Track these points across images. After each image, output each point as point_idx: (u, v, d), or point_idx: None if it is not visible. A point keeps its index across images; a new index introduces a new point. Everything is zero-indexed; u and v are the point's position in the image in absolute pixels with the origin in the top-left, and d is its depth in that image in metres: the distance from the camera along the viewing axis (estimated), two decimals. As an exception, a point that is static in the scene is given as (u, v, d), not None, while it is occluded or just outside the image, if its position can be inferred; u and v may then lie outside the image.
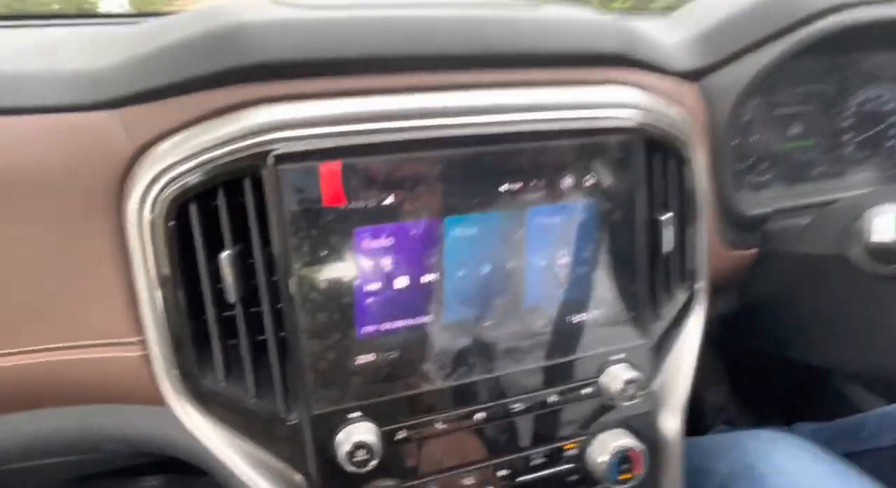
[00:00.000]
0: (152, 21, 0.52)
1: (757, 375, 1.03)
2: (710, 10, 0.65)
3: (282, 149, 0.41)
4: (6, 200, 0.42)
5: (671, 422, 0.55)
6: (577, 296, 0.50)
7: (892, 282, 0.57)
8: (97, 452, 0.55)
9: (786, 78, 0.69)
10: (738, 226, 0.65)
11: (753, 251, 0.66)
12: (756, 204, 0.66)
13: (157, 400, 0.46)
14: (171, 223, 0.42)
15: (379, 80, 0.45)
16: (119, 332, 0.45)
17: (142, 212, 0.42)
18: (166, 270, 0.43)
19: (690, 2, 0.71)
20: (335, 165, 0.41)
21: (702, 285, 0.58)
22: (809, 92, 0.72)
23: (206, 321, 0.44)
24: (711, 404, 1.04)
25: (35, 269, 0.43)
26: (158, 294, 0.43)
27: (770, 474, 0.58)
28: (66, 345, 0.45)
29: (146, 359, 0.45)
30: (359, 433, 0.43)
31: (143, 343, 0.45)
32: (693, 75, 0.61)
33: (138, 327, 0.45)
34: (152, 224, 0.42)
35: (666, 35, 0.62)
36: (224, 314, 0.45)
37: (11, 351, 0.44)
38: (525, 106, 0.47)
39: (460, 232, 0.45)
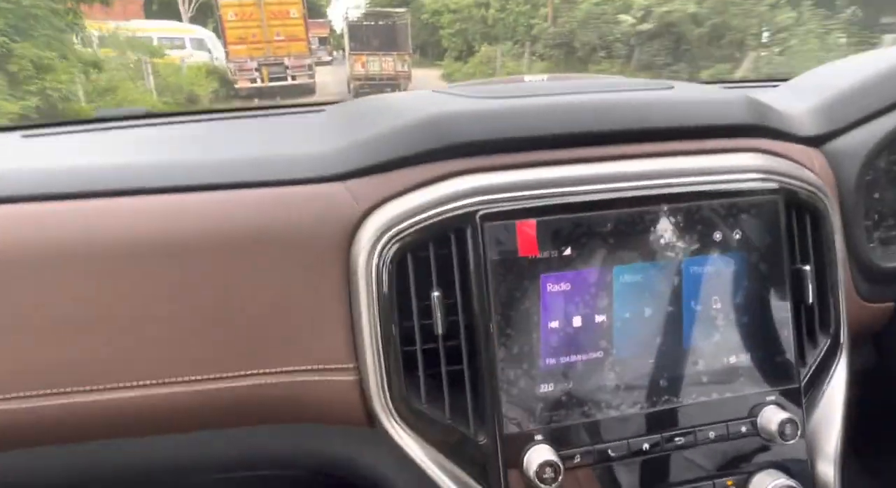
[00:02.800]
0: (356, 106, 0.65)
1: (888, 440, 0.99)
2: (829, 81, 0.72)
3: (485, 210, 0.51)
4: (265, 252, 0.54)
5: (828, 470, 0.57)
6: (730, 339, 0.55)
7: None
8: (300, 469, 0.64)
9: None
10: (871, 278, 0.68)
11: (890, 305, 0.68)
12: (888, 257, 0.69)
13: (365, 421, 0.55)
14: (392, 272, 0.52)
15: (556, 153, 0.55)
16: (339, 359, 0.55)
17: (369, 262, 0.52)
18: (386, 308, 0.52)
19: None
20: (530, 223, 0.50)
21: (843, 332, 0.61)
22: None
23: (412, 352, 0.53)
24: None
25: (280, 307, 0.54)
26: (377, 327, 0.53)
27: None
28: (297, 368, 0.55)
29: (359, 383, 0.54)
30: (543, 454, 0.50)
31: (357, 369, 0.55)
32: (816, 141, 0.67)
33: (355, 355, 0.54)
34: (377, 272, 0.52)
35: (787, 105, 0.69)
36: (427, 346, 0.54)
37: (256, 371, 0.55)
38: (677, 171, 0.55)
39: (627, 279, 0.53)
